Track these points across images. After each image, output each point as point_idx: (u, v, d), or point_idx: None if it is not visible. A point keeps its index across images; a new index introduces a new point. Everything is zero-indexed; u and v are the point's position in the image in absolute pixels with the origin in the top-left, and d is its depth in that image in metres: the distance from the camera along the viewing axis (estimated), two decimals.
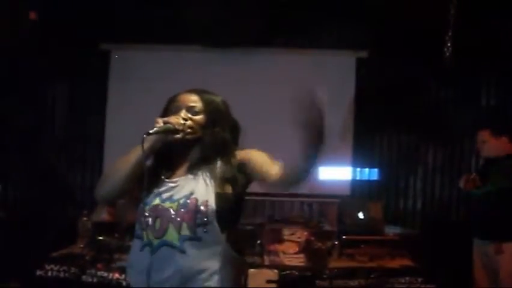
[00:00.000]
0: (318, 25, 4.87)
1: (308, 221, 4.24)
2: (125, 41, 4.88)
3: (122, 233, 3.49)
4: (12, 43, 4.30)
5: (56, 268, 3.09)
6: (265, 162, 1.66)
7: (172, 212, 1.62)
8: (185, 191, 1.64)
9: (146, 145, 1.61)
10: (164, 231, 1.61)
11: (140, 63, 4.88)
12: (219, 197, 1.63)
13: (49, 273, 3.08)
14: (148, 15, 4.68)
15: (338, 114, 4.84)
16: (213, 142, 1.70)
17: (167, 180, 1.69)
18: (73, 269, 3.08)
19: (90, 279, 3.04)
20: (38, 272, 3.08)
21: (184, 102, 1.73)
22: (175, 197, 1.64)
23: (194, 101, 1.73)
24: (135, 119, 4.77)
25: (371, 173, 4.97)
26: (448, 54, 3.95)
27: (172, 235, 1.60)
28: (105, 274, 3.02)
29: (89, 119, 5.04)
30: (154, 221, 1.63)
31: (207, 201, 1.61)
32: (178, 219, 1.61)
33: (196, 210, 1.60)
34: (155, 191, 1.68)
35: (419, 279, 3.25)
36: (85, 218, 3.55)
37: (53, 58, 4.77)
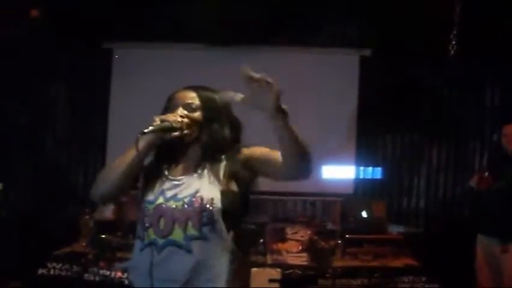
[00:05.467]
0: (322, 23, 4.86)
1: (311, 220, 4.24)
2: (127, 40, 4.87)
3: (124, 232, 3.49)
4: (14, 41, 4.30)
5: (58, 266, 3.10)
6: (271, 151, 1.61)
7: (177, 211, 1.58)
8: (190, 190, 1.61)
9: (142, 144, 1.57)
10: (170, 231, 1.58)
11: (142, 62, 4.86)
12: (225, 195, 1.59)
13: (51, 272, 3.09)
14: (150, 13, 4.67)
15: (341, 113, 4.84)
16: (211, 140, 1.67)
17: (171, 178, 1.66)
18: (75, 268, 3.09)
19: (92, 278, 3.05)
20: (40, 271, 3.09)
21: (181, 99, 1.69)
22: (180, 196, 1.61)
23: (191, 98, 1.69)
24: (138, 117, 4.77)
25: (374, 172, 4.95)
26: (452, 52, 3.93)
27: (177, 234, 1.57)
28: (107, 272, 3.03)
29: (92, 118, 5.03)
30: (158, 220, 1.60)
31: (212, 199, 1.57)
32: (184, 218, 1.57)
33: (202, 208, 1.56)
34: (158, 189, 1.64)
35: (423, 278, 3.25)
36: (87, 216, 3.55)
37: (55, 56, 4.77)
